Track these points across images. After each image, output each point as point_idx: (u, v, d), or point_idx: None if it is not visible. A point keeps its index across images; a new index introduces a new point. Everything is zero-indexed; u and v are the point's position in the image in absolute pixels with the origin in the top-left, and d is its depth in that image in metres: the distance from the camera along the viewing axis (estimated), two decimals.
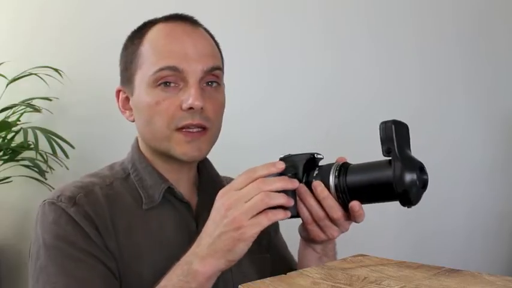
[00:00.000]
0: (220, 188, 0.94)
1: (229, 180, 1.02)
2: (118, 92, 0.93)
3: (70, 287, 0.76)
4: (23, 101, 1.93)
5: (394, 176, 0.69)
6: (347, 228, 0.80)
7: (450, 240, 1.69)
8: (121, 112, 0.93)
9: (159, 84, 0.84)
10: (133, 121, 0.90)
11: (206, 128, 0.85)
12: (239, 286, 0.55)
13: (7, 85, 1.91)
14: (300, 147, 1.91)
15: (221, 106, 0.89)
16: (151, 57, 0.85)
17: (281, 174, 0.78)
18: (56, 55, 1.99)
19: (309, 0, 1.90)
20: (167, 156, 0.87)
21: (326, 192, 0.76)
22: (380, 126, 0.73)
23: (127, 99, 0.91)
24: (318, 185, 0.77)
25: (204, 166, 0.97)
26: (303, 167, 0.80)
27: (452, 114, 1.86)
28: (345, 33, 1.88)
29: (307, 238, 0.85)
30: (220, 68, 0.88)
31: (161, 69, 0.83)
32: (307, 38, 1.89)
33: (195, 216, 0.90)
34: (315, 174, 0.78)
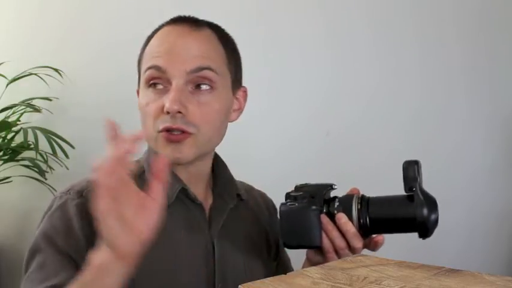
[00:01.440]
0: (235, 193, 0.95)
1: (245, 185, 1.03)
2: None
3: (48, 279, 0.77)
4: (23, 101, 1.93)
5: (417, 213, 0.76)
6: (360, 253, 0.84)
7: (450, 240, 1.69)
8: None
9: (150, 86, 0.84)
10: None
11: (189, 133, 0.83)
12: (239, 286, 0.55)
13: (7, 85, 1.91)
14: (300, 148, 1.92)
15: (215, 110, 0.85)
16: (145, 59, 0.87)
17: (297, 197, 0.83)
18: (56, 55, 1.99)
19: (309, 1, 1.90)
20: None
21: (350, 224, 0.80)
22: (403, 165, 0.80)
23: None
24: (341, 217, 0.81)
25: (218, 170, 0.96)
26: (323, 197, 0.83)
27: (452, 114, 1.85)
28: (344, 34, 1.88)
29: (320, 262, 0.87)
30: (211, 69, 0.84)
31: (148, 68, 0.84)
32: (307, 39, 1.89)
33: (208, 219, 0.90)
34: (336, 206, 0.82)
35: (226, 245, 0.89)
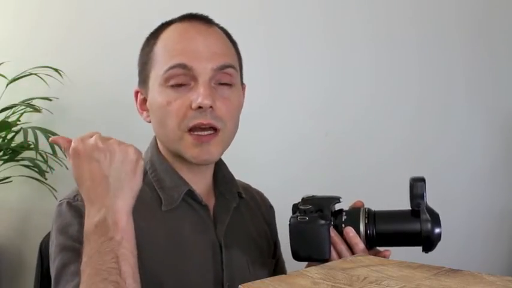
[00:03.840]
0: (236, 192, 0.95)
1: (242, 184, 1.03)
2: (136, 93, 0.93)
3: None
4: (23, 101, 1.92)
5: (422, 228, 0.81)
6: None
7: (450, 240, 1.69)
8: (139, 113, 0.93)
9: (171, 85, 0.83)
10: (150, 122, 0.90)
11: (217, 130, 0.84)
12: (239, 286, 0.55)
13: (7, 85, 1.91)
14: (299, 149, 1.91)
15: (235, 106, 0.88)
16: (163, 56, 0.85)
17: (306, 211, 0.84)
18: (56, 55, 1.98)
19: (310, 1, 1.90)
20: (183, 158, 0.87)
21: (358, 238, 0.82)
22: (411, 182, 0.82)
23: (144, 100, 0.91)
24: (350, 231, 0.83)
25: (220, 171, 0.96)
26: (330, 211, 0.85)
27: (453, 114, 1.86)
28: (345, 34, 1.88)
29: None
30: (233, 66, 0.87)
31: (171, 68, 0.83)
32: (307, 39, 1.89)
33: (214, 219, 0.90)
34: (343, 219, 0.85)
35: (232, 245, 0.90)
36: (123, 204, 0.71)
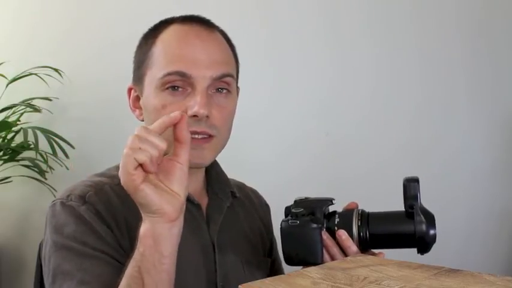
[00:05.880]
0: (230, 191, 0.94)
1: (237, 182, 1.03)
2: (130, 90, 0.92)
3: (88, 282, 0.75)
4: (23, 101, 1.92)
5: (416, 230, 0.79)
6: None
7: (450, 241, 1.69)
8: (131, 110, 0.92)
9: (167, 88, 0.83)
10: (142, 120, 0.89)
11: (211, 136, 0.84)
12: (239, 286, 0.55)
13: (7, 85, 1.91)
14: (299, 149, 1.91)
15: (230, 114, 0.88)
16: (161, 59, 0.84)
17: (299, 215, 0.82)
18: (56, 55, 1.99)
19: (310, 2, 1.90)
20: None
21: (351, 241, 0.82)
22: (404, 183, 0.81)
23: (137, 98, 0.90)
24: (342, 234, 0.82)
25: (213, 169, 0.96)
26: (323, 213, 0.84)
27: (453, 115, 1.86)
28: (345, 34, 1.88)
29: None
30: (232, 75, 0.87)
31: (169, 74, 0.82)
32: (307, 39, 1.89)
33: (206, 218, 0.90)
34: (336, 222, 0.83)
35: (225, 244, 0.89)
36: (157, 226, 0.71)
